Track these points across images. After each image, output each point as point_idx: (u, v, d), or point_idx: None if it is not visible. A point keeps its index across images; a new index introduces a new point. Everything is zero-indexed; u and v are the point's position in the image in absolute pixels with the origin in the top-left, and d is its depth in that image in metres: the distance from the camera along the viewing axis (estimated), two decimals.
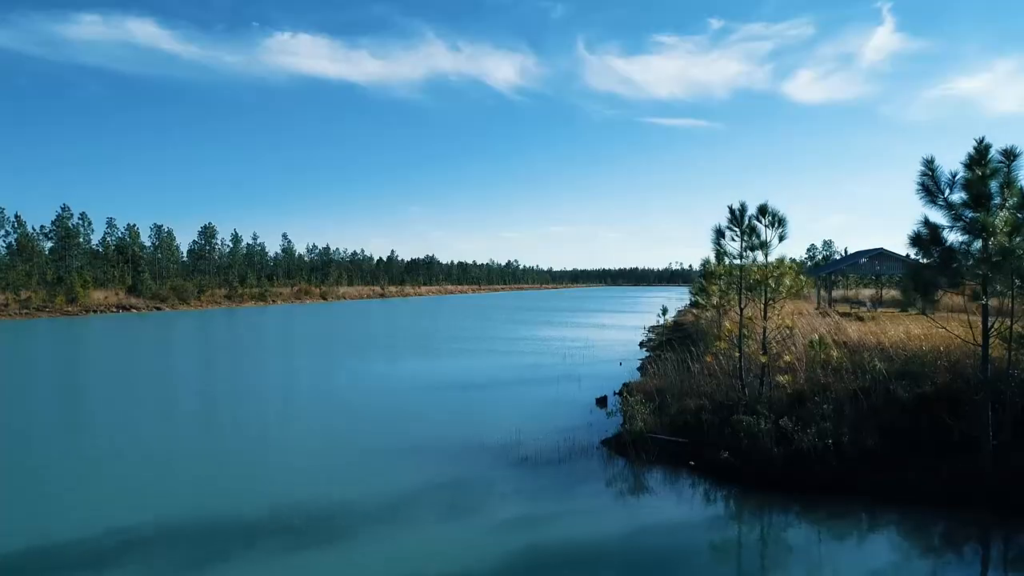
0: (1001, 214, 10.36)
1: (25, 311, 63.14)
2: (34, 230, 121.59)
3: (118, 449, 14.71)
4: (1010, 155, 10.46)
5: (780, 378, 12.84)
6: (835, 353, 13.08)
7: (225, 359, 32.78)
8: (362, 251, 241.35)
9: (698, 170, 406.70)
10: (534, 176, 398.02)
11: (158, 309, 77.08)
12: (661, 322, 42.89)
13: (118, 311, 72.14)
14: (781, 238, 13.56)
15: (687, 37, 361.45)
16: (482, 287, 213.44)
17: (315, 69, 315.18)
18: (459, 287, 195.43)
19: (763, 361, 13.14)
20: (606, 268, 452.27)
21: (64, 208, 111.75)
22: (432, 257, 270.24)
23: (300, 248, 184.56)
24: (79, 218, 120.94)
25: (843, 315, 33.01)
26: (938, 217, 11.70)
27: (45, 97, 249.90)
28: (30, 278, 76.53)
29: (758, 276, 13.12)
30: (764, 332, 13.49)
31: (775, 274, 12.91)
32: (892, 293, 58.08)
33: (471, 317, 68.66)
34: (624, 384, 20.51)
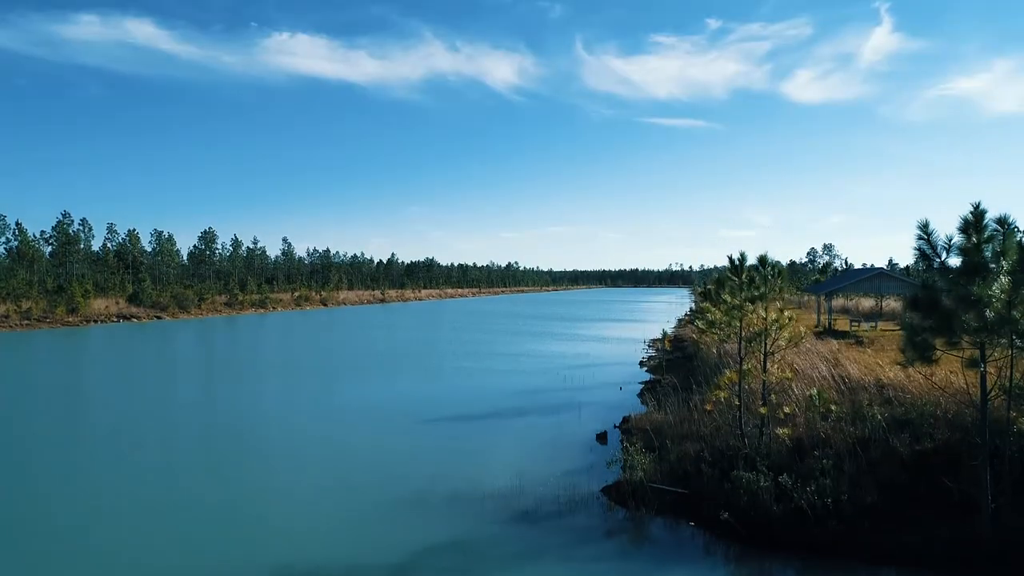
0: (998, 282, 10.42)
1: (26, 322, 63.24)
2: (35, 237, 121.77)
3: (113, 490, 14.78)
4: (1004, 223, 10.54)
5: (780, 431, 12.92)
6: (835, 408, 13.14)
7: (221, 381, 32.85)
8: (362, 254, 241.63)
9: (698, 170, 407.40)
10: (534, 176, 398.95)
11: (158, 318, 77.17)
12: (662, 338, 42.93)
13: (119, 320, 72.20)
14: (780, 289, 13.63)
15: (685, 37, 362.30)
16: (482, 290, 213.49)
17: (314, 69, 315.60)
18: (459, 291, 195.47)
19: (763, 412, 13.21)
20: (605, 269, 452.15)
21: (65, 215, 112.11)
22: (432, 260, 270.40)
23: (300, 251, 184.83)
24: (80, 224, 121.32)
25: (842, 334, 33.03)
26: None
27: (45, 97, 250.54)
28: (31, 287, 76.65)
29: (758, 327, 13.20)
30: (764, 385, 13.56)
31: (774, 328, 12.98)
32: (892, 304, 58.24)
33: (470, 328, 68.70)
34: (624, 418, 20.58)
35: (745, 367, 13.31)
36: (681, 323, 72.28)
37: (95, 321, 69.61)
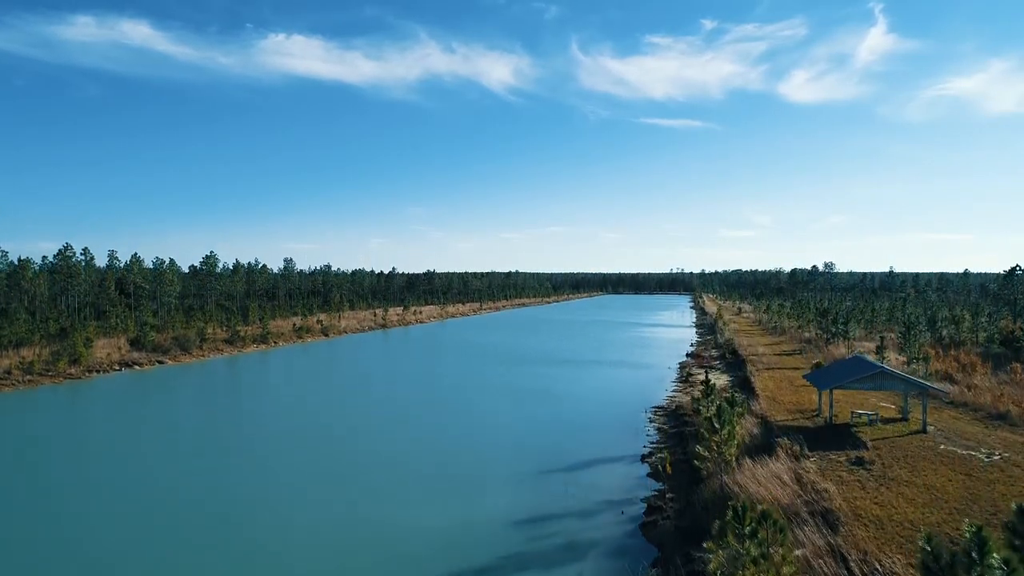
0: None
1: (29, 378, 63.32)
2: (35, 265, 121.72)
3: None
4: (1008, 563, 10.59)
5: None
6: None
7: (220, 457, 32.82)
8: (361, 268, 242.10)
9: (696, 170, 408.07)
10: (532, 177, 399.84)
11: (160, 362, 77.29)
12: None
13: (120, 368, 72.33)
14: (781, 544, 13.68)
15: (680, 38, 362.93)
16: (483, 305, 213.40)
17: (310, 70, 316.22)
18: (459, 308, 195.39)
19: None
20: (606, 272, 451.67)
21: (67, 246, 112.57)
22: (432, 272, 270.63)
23: (301, 264, 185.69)
24: (82, 253, 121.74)
25: (842, 433, 32.82)
26: None
27: (43, 97, 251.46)
28: (32, 333, 76.79)
29: None
30: None
31: None
32: (893, 360, 58.49)
33: (466, 383, 68.75)
34: None
35: None
36: (682, 369, 72.27)
37: (97, 371, 69.70)
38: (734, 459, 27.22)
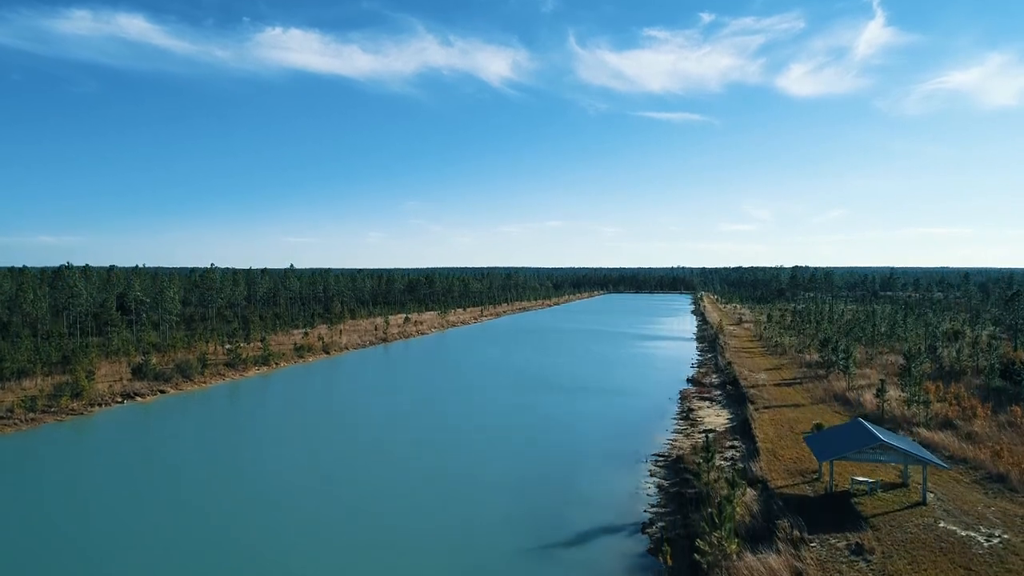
0: None
1: (31, 415, 63.48)
2: (35, 277, 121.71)
3: None
4: None
5: None
6: None
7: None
8: (361, 267, 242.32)
9: (695, 164, 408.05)
10: (531, 170, 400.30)
11: (161, 392, 77.47)
12: (667, 445, 43.00)
13: (123, 401, 72.47)
14: None
15: (678, 31, 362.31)
16: (484, 312, 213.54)
17: (307, 64, 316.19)
18: (460, 315, 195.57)
19: None
20: (607, 268, 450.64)
21: (67, 264, 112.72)
22: (432, 274, 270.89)
23: (301, 260, 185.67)
24: (82, 270, 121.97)
25: (842, 502, 32.93)
26: None
27: (39, 92, 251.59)
28: (35, 364, 77.02)
29: None
30: None
31: None
32: (892, 399, 58.52)
33: (462, 420, 68.97)
34: None
35: None
36: (683, 401, 72.35)
37: (99, 404, 69.86)
38: (734, 554, 27.35)
